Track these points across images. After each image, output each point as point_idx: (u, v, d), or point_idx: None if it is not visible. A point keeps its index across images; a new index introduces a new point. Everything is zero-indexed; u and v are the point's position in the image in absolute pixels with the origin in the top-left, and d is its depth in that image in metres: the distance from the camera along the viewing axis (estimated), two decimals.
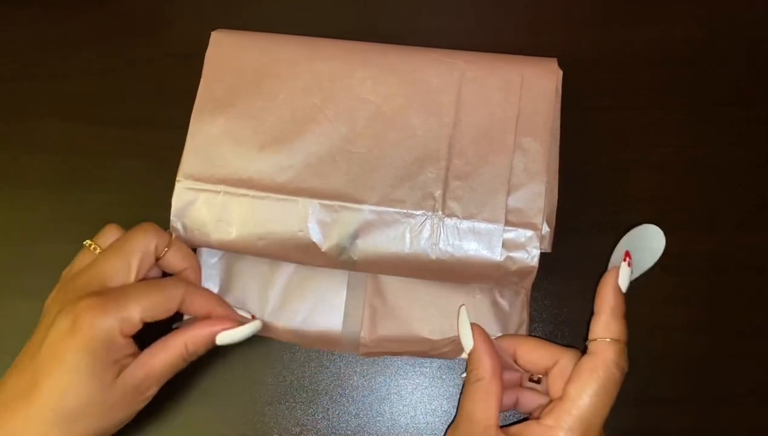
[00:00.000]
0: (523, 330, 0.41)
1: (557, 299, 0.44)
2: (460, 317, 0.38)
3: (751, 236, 0.44)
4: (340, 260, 0.39)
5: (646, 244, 0.37)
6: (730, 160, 0.46)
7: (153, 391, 0.36)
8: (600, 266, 0.44)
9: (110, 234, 0.39)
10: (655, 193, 0.45)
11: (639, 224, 0.38)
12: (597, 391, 0.33)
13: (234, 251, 0.41)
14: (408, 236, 0.39)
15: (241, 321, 0.38)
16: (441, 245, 0.38)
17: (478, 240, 0.38)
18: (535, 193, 0.39)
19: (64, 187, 0.46)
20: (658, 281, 0.43)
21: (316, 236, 0.39)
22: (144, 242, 0.37)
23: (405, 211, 0.39)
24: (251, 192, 0.40)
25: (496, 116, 0.40)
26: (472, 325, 0.37)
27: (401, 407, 0.43)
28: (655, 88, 0.47)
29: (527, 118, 0.40)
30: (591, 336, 0.35)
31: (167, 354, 0.36)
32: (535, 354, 0.37)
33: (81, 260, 0.38)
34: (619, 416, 0.42)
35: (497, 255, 0.38)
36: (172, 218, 0.40)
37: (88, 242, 0.39)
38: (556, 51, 0.43)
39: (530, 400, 0.38)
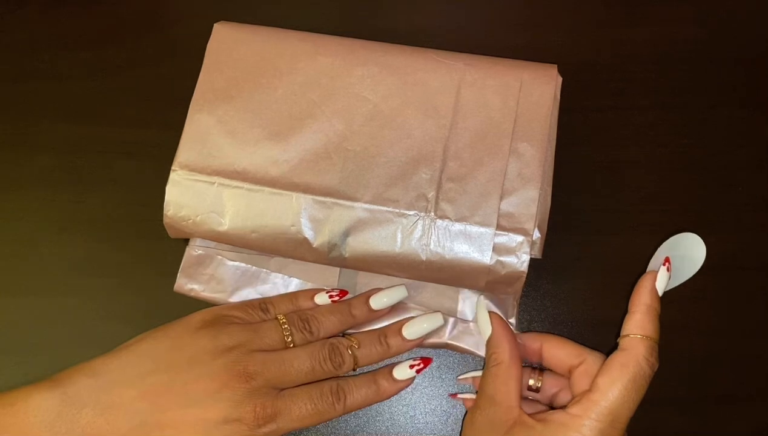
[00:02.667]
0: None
1: (557, 299, 0.44)
2: (478, 306, 0.39)
3: (751, 236, 0.44)
4: (330, 256, 0.40)
5: (685, 252, 0.37)
6: (730, 160, 0.46)
7: None
8: (600, 266, 0.44)
9: (308, 331, 0.39)
10: (655, 193, 0.45)
11: (678, 231, 0.39)
12: (627, 385, 0.33)
13: (226, 243, 0.41)
14: (399, 235, 0.39)
15: None
16: (432, 246, 0.39)
17: (468, 243, 0.38)
18: (529, 198, 0.39)
19: (64, 187, 0.46)
20: None
21: (308, 231, 0.39)
22: (332, 373, 0.38)
23: (397, 210, 0.39)
24: (245, 184, 0.40)
25: (493, 120, 0.40)
26: (490, 313, 0.39)
27: (400, 407, 0.43)
28: (655, 88, 0.47)
29: (524, 123, 0.40)
30: (623, 332, 0.35)
31: None
32: (562, 351, 0.38)
33: (273, 338, 0.37)
34: None
35: (487, 258, 0.38)
36: (165, 206, 0.40)
37: (282, 319, 0.38)
38: (555, 51, 0.43)
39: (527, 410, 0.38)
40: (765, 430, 0.41)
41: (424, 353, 0.43)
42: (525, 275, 0.38)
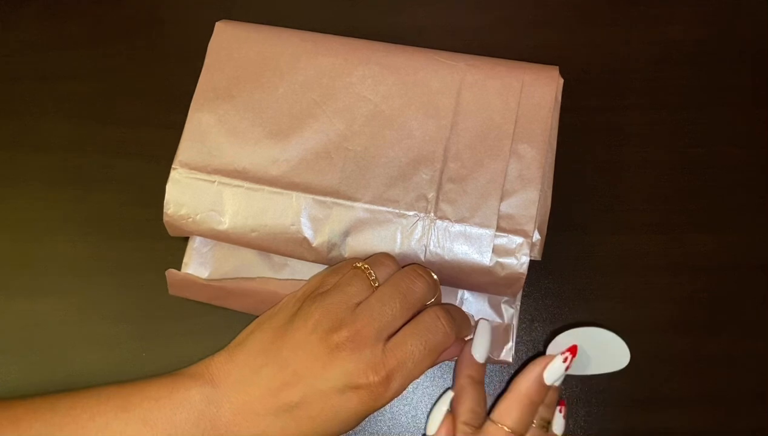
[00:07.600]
0: (511, 337, 0.41)
1: (557, 299, 0.44)
2: (441, 400, 0.38)
3: (751, 236, 0.44)
4: (330, 256, 0.40)
5: (606, 350, 0.36)
6: (730, 160, 0.46)
7: None
8: (600, 266, 0.44)
9: (387, 267, 0.36)
10: (655, 193, 0.45)
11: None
12: None
13: (226, 242, 0.41)
14: (399, 236, 0.39)
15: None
16: (431, 247, 0.39)
17: (468, 244, 0.38)
18: (529, 200, 0.39)
19: (64, 186, 0.46)
20: (658, 281, 0.43)
21: (307, 231, 0.39)
22: (425, 296, 0.36)
23: (397, 211, 0.39)
24: (245, 184, 0.40)
25: (494, 121, 0.40)
26: (446, 417, 0.37)
27: (402, 407, 0.43)
28: (655, 88, 0.47)
29: (525, 124, 0.40)
30: (492, 413, 0.36)
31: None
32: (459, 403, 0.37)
33: (357, 287, 0.35)
34: (619, 416, 0.42)
35: (486, 260, 0.38)
36: (165, 204, 0.40)
37: (366, 267, 0.36)
38: (556, 52, 0.43)
39: None
40: (764, 430, 0.42)
41: None
42: (524, 277, 0.38)
